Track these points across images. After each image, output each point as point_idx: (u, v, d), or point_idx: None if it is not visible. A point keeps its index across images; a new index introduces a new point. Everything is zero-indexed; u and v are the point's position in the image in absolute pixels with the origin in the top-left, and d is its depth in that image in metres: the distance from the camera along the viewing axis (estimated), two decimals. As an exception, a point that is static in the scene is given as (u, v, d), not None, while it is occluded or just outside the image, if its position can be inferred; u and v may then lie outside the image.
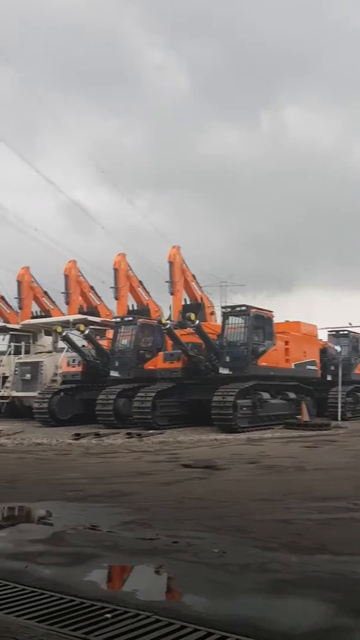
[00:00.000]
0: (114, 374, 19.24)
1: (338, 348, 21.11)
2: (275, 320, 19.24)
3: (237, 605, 3.72)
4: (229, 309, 18.53)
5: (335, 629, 3.35)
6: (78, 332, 19.62)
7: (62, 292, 26.54)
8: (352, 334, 24.07)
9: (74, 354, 20.48)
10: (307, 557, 4.69)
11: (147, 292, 25.25)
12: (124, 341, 19.61)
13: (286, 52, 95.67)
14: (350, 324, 31.73)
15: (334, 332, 23.87)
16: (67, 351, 20.99)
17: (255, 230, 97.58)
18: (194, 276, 21.92)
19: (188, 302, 22.92)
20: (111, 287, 25.00)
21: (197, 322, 17.37)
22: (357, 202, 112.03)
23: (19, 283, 27.34)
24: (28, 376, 21.51)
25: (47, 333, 24.35)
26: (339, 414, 19.22)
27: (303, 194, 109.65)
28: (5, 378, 22.54)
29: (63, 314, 26.25)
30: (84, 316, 24.13)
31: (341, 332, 23.92)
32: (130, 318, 20.53)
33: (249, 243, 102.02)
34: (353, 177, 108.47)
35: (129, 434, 15.42)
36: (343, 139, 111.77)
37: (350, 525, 5.66)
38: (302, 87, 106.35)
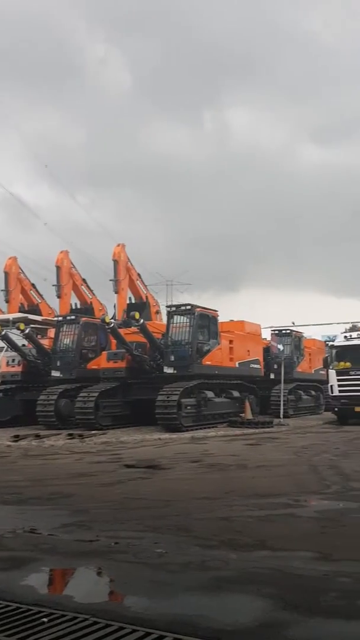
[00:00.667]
0: (55, 374, 18.91)
1: (281, 347, 21.53)
2: (220, 319, 19.43)
3: (177, 604, 3.72)
4: (173, 308, 18.54)
5: (273, 623, 3.39)
6: (18, 331, 19.19)
7: (2, 290, 25.77)
8: (294, 333, 24.62)
9: (14, 353, 20.03)
10: (246, 554, 4.74)
11: (91, 291, 24.94)
12: (66, 340, 19.31)
13: (230, 53, 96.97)
14: (293, 323, 32.49)
15: (277, 331, 24.33)
16: (7, 351, 20.50)
17: (201, 230, 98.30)
18: (139, 275, 21.83)
19: (133, 301, 22.80)
20: (53, 285, 24.51)
21: (142, 321, 17.32)
22: (302, 203, 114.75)
23: None
24: (-34, 377, 20.88)
25: (-14, 332, 23.63)
26: (281, 411, 19.59)
27: (249, 194, 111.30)
28: None
29: (2, 312, 25.55)
30: (25, 314, 23.61)
31: (284, 331, 24.42)
32: (73, 317, 20.23)
33: (196, 242, 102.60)
34: (298, 179, 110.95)
35: (70, 435, 15.19)
36: (288, 140, 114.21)
37: (289, 521, 5.76)
38: (246, 89, 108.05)
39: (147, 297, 21.14)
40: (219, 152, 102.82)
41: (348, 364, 19.53)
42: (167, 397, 15.98)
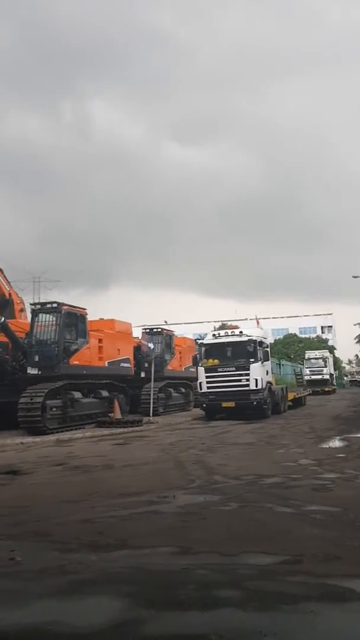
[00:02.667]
0: None
1: (151, 345, 21.71)
2: (91, 317, 19.14)
3: (30, 613, 3.49)
4: (38, 306, 17.90)
5: (129, 622, 3.30)
6: None
7: None
8: (165, 331, 24.96)
9: None
10: (107, 555, 4.65)
11: None
12: None
13: (92, 46, 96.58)
14: (165, 321, 33.05)
15: (147, 330, 24.54)
16: None
17: (68, 224, 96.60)
18: (1, 270, 20.64)
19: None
20: None
21: (3, 319, 16.52)
22: (169, 202, 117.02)
23: None
24: None
25: None
26: (151, 409, 19.74)
27: (115, 189, 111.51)
28: None
29: None
30: None
31: (155, 330, 24.69)
32: None
33: (63, 237, 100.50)
34: (163, 177, 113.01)
35: None
36: (151, 137, 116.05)
37: (152, 518, 5.75)
38: (105, 83, 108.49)
39: (10, 294, 20.13)
40: (83, 145, 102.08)
41: (216, 361, 20.20)
42: (30, 399, 15.39)
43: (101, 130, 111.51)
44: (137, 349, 22.74)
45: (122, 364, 20.72)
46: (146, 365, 21.54)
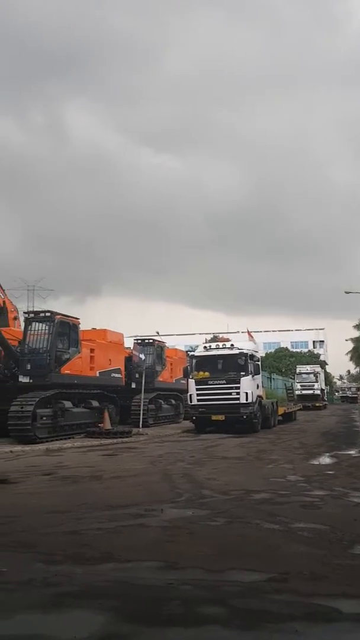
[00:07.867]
0: None
1: (142, 356, 21.65)
2: (84, 326, 19.08)
3: (13, 625, 3.53)
4: (32, 315, 17.86)
5: (111, 636, 3.33)
6: None
7: None
8: (157, 342, 24.93)
9: None
10: (92, 567, 4.62)
11: None
12: None
13: (54, 48, 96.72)
14: (157, 332, 33.01)
15: (139, 340, 24.51)
16: None
17: (51, 232, 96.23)
18: (-4, 278, 20.45)
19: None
20: None
21: (-4, 327, 16.45)
22: (154, 210, 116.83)
23: None
24: None
25: None
26: (141, 421, 19.67)
27: (97, 196, 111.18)
28: None
29: None
30: None
31: (146, 341, 24.67)
32: None
33: (46, 245, 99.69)
34: (143, 184, 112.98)
35: None
36: (126, 144, 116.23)
37: (138, 531, 5.72)
38: (77, 88, 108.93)
39: (4, 302, 20.07)
40: (60, 150, 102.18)
41: (207, 374, 20.14)
42: (21, 408, 15.29)
43: (77, 135, 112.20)
44: (129, 359, 22.67)
45: (113, 374, 20.64)
46: (137, 376, 21.47)
